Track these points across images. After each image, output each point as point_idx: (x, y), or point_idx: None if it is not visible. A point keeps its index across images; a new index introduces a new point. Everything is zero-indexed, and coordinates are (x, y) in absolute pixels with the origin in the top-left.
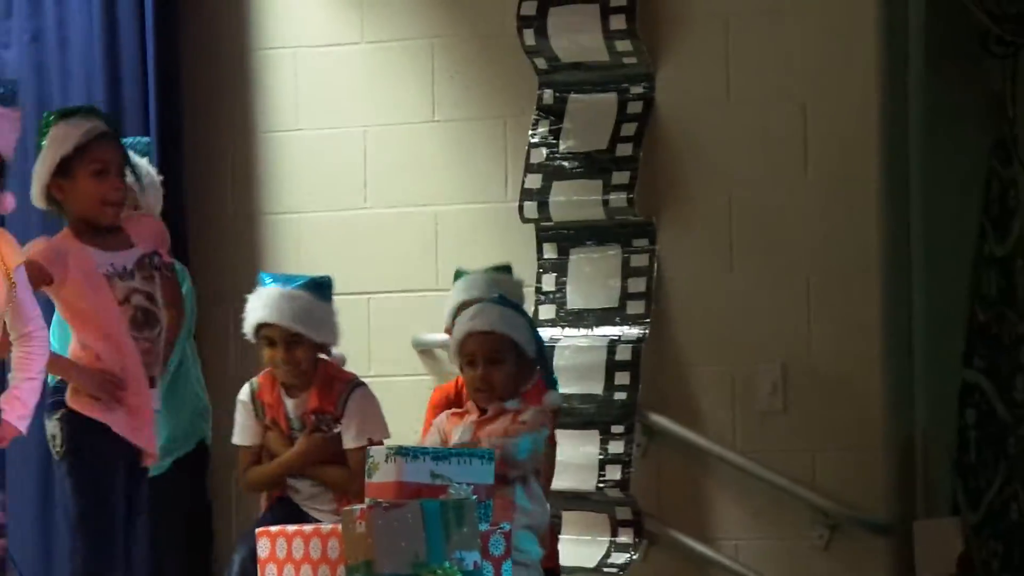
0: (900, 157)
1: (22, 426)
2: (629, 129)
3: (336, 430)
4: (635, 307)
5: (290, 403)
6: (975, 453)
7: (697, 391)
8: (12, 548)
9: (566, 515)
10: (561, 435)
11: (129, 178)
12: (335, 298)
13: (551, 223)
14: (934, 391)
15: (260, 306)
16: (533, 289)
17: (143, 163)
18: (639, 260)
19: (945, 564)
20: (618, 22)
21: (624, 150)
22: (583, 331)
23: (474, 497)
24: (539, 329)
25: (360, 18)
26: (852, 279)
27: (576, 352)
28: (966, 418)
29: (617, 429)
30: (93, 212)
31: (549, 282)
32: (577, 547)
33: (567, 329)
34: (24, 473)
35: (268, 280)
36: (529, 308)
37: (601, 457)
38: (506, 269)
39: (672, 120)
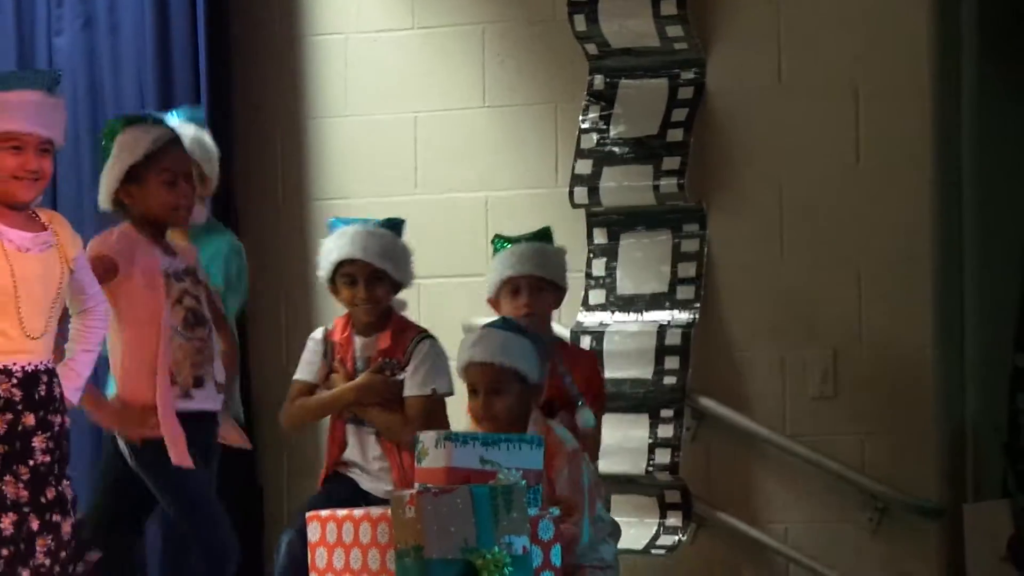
0: (953, 143)
1: (75, 398)
2: (680, 115)
3: (401, 376)
4: (685, 292)
5: (359, 343)
6: None
7: (747, 376)
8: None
9: (615, 498)
10: (611, 419)
11: (196, 149)
12: None
13: (601, 208)
14: (985, 376)
15: (343, 244)
16: (583, 274)
17: (205, 136)
18: (689, 245)
19: (995, 547)
20: (669, 7)
21: (675, 135)
22: (633, 316)
23: (523, 482)
24: (589, 314)
25: (411, 4)
26: (903, 265)
27: (626, 337)
28: (1017, 402)
29: (667, 413)
30: (164, 217)
31: (599, 267)
32: (626, 529)
33: (617, 314)
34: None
35: (340, 224)
36: (579, 292)
37: (651, 441)
38: (546, 235)
39: (723, 106)
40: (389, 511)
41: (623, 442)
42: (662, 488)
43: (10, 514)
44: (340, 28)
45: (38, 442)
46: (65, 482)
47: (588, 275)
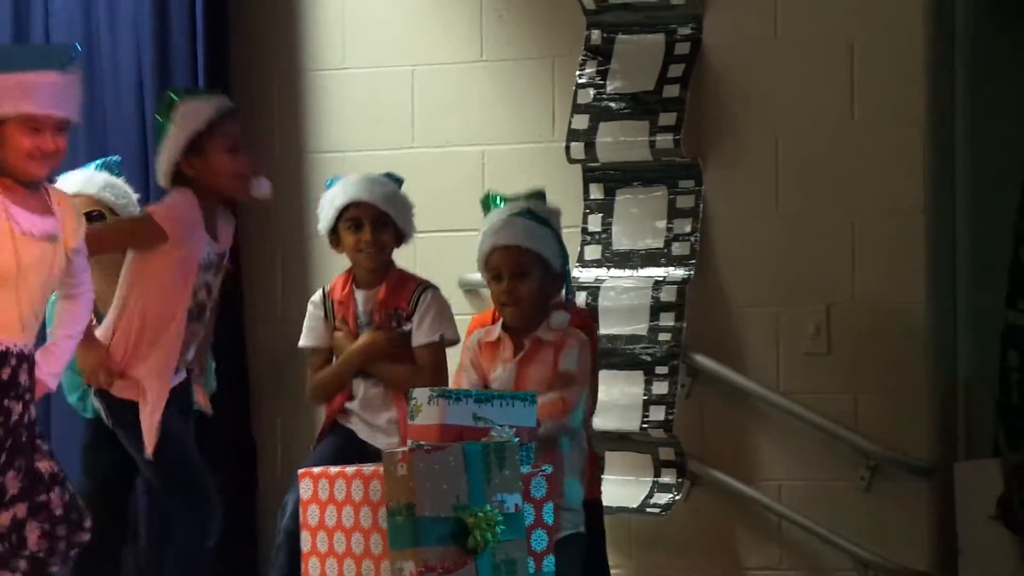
0: (948, 99)
1: (52, 383)
2: (676, 70)
3: (406, 327)
4: (681, 248)
5: (360, 297)
6: (1017, 394)
7: (741, 332)
8: None
9: (609, 455)
10: (605, 375)
11: (110, 198)
12: None
13: (598, 164)
14: (977, 333)
15: (348, 188)
16: (579, 229)
17: (119, 182)
18: (685, 201)
19: (985, 505)
20: None
21: (671, 91)
22: (629, 272)
23: (516, 440)
24: (585, 269)
25: None
26: (897, 221)
27: (621, 293)
28: (1009, 359)
29: (661, 370)
30: (229, 185)
31: (595, 223)
32: (620, 487)
33: (613, 270)
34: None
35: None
36: (575, 248)
37: (645, 398)
38: (540, 196)
39: (719, 61)
40: (381, 468)
41: (618, 399)
42: (656, 445)
43: None
44: None
45: None
46: (10, 473)
47: (584, 230)
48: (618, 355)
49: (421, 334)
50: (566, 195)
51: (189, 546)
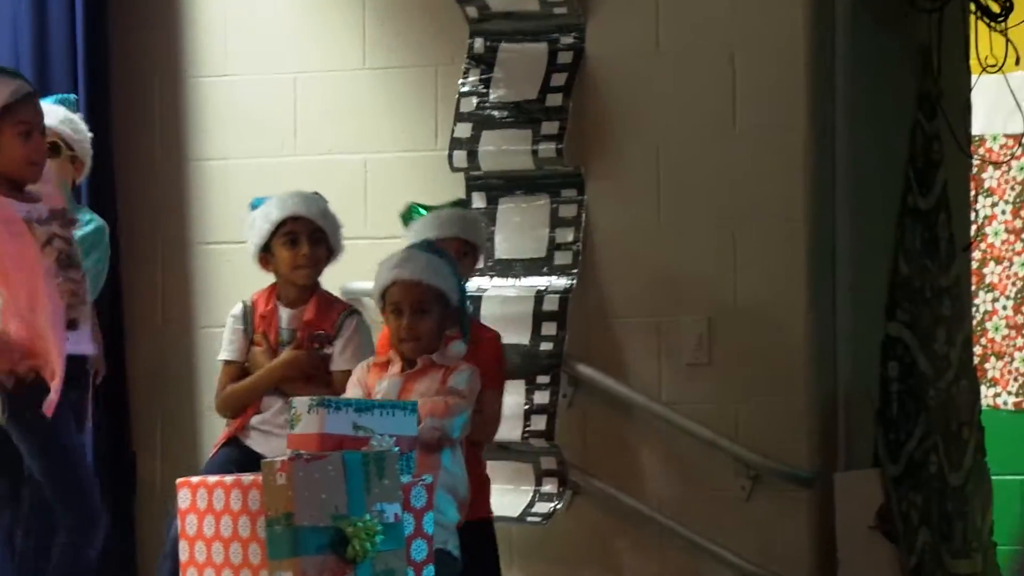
0: (827, 110)
1: None
2: (559, 79)
3: (328, 351)
4: (563, 257)
5: (285, 315)
6: (897, 405)
7: (623, 342)
8: None
9: (491, 464)
10: None
11: (68, 131)
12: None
13: (480, 172)
14: (857, 344)
15: (286, 203)
16: None
17: (76, 117)
18: (567, 211)
19: (865, 515)
20: None
21: (554, 100)
22: (511, 281)
23: (396, 449)
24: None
25: None
26: (778, 231)
27: (503, 302)
28: (888, 371)
29: (543, 379)
30: (19, 171)
31: None
32: (501, 496)
33: (495, 279)
34: None
35: (262, 201)
36: None
37: (527, 407)
38: (463, 204)
39: (602, 71)
40: (260, 478)
41: None
42: (538, 455)
43: None
44: None
45: None
46: None
47: None
48: None
49: (343, 360)
50: None
51: (75, 551)
